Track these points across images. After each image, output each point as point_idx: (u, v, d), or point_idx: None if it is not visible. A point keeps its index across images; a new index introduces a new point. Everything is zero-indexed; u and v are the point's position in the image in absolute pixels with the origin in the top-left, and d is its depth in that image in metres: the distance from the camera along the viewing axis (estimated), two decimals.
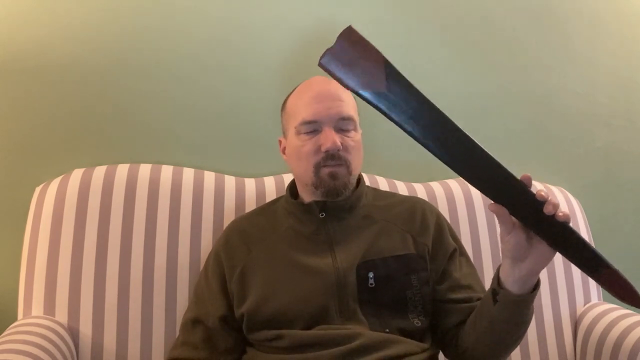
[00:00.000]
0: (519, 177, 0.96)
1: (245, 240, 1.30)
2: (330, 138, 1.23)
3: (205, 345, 1.24)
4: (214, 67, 1.62)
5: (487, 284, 1.14)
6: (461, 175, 1.00)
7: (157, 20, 1.60)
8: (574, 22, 1.80)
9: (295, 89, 1.34)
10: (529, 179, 0.97)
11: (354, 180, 1.29)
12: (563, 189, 1.68)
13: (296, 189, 1.35)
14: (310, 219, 1.29)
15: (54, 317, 1.37)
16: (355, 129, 1.28)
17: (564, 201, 1.62)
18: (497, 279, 1.09)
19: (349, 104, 1.28)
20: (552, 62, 1.79)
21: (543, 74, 1.79)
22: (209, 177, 1.53)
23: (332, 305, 1.20)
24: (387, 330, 1.19)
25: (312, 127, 1.25)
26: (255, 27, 1.64)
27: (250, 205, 1.48)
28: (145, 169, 1.50)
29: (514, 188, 0.96)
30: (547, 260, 1.02)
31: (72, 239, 1.40)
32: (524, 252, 1.02)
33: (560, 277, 1.57)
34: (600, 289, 1.60)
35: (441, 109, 0.95)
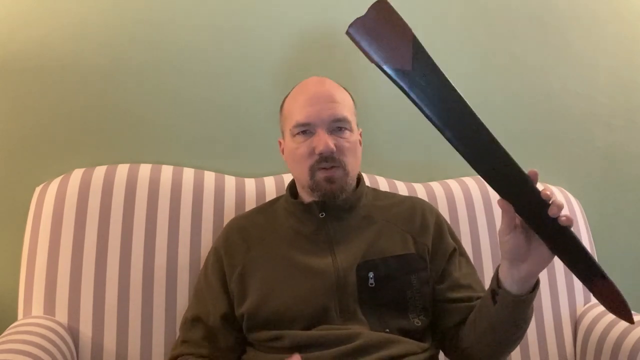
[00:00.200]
0: None
1: (245, 238, 1.30)
2: (323, 141, 1.23)
3: (206, 343, 1.24)
4: (214, 66, 1.62)
5: (487, 284, 1.14)
6: (472, 166, 0.98)
7: (157, 21, 1.60)
8: (574, 22, 1.80)
9: (292, 90, 1.34)
10: (536, 175, 0.97)
11: (351, 182, 1.29)
12: (563, 189, 1.68)
13: (296, 188, 1.35)
14: (310, 218, 1.29)
15: (54, 317, 1.37)
16: (350, 130, 1.27)
17: (564, 201, 1.62)
18: (496, 279, 1.09)
19: (344, 104, 1.28)
20: (552, 62, 1.79)
21: (543, 74, 1.79)
22: (209, 177, 1.53)
23: (332, 305, 1.20)
24: (387, 330, 1.19)
25: (306, 129, 1.25)
26: (256, 27, 1.64)
27: (250, 205, 1.48)
28: (145, 169, 1.50)
29: (523, 186, 0.95)
30: (546, 263, 1.02)
31: (72, 239, 1.40)
32: (523, 254, 1.02)
33: (560, 277, 1.57)
34: None
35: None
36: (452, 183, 1.63)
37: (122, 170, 1.48)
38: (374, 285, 1.21)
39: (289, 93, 1.34)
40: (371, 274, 1.22)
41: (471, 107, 0.95)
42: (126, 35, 1.59)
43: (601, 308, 1.52)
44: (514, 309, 1.07)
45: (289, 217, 1.32)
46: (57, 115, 1.56)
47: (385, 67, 0.95)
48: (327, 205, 1.28)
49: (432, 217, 1.32)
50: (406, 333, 1.20)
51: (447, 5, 1.73)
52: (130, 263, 1.41)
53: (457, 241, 1.33)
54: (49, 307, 1.38)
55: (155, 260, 1.42)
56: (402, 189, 1.58)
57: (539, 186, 0.96)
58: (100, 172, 1.47)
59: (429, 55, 0.94)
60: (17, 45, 1.54)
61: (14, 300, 1.42)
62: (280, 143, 1.37)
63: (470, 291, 1.25)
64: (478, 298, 1.20)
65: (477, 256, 1.54)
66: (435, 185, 1.62)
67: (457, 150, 0.97)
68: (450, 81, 0.94)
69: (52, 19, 1.55)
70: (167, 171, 1.51)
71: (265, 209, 1.38)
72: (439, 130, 0.96)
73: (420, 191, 1.59)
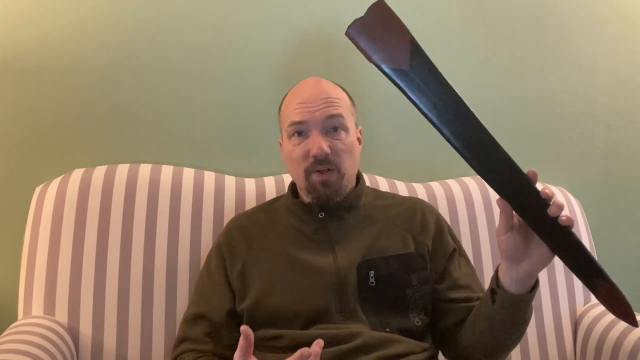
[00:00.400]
0: None
1: (246, 236, 1.31)
2: (317, 143, 1.22)
3: (209, 339, 1.24)
4: (215, 66, 1.62)
5: (487, 284, 1.14)
6: (471, 165, 0.98)
7: (157, 21, 1.60)
8: (573, 22, 1.80)
9: (289, 90, 1.34)
10: (535, 175, 0.97)
11: (347, 183, 1.28)
12: (563, 189, 1.68)
13: (297, 188, 1.35)
14: (310, 218, 1.29)
15: (54, 317, 1.37)
16: (346, 130, 1.27)
17: (564, 201, 1.62)
18: (495, 279, 1.09)
19: (340, 103, 1.27)
20: (552, 62, 1.79)
21: (543, 74, 1.79)
22: (209, 177, 1.53)
23: (332, 304, 1.20)
24: (388, 329, 1.19)
25: (300, 129, 1.25)
26: (256, 27, 1.64)
27: (250, 205, 1.48)
28: (145, 169, 1.50)
29: (522, 185, 0.95)
30: (545, 263, 1.02)
31: (72, 238, 1.40)
32: (521, 255, 1.02)
33: (560, 277, 1.57)
34: None
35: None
36: (452, 183, 1.63)
37: (122, 170, 1.48)
38: (374, 284, 1.21)
39: (287, 93, 1.34)
40: (372, 273, 1.22)
41: (469, 106, 0.95)
42: (126, 35, 1.59)
43: (601, 308, 1.52)
44: (512, 309, 1.07)
45: (290, 216, 1.32)
46: (57, 115, 1.56)
47: (383, 67, 0.96)
48: (326, 206, 1.28)
49: (432, 217, 1.32)
50: (406, 332, 1.20)
51: (447, 5, 1.73)
52: (130, 263, 1.41)
53: (457, 242, 1.34)
54: (49, 307, 1.38)
55: (155, 260, 1.42)
56: (402, 189, 1.58)
57: (539, 186, 0.96)
58: (100, 172, 1.47)
59: (426, 55, 0.95)
60: (17, 45, 1.54)
61: (14, 300, 1.42)
62: (280, 143, 1.37)
63: (469, 292, 1.25)
64: (477, 298, 1.20)
65: (477, 256, 1.54)
66: (435, 185, 1.62)
67: (455, 149, 0.97)
68: (448, 80, 0.95)
69: (52, 19, 1.55)
70: (167, 171, 1.51)
71: (267, 208, 1.39)
72: (437, 129, 0.97)
73: (420, 191, 1.59)
